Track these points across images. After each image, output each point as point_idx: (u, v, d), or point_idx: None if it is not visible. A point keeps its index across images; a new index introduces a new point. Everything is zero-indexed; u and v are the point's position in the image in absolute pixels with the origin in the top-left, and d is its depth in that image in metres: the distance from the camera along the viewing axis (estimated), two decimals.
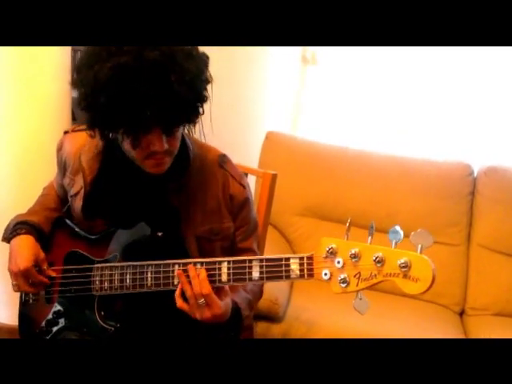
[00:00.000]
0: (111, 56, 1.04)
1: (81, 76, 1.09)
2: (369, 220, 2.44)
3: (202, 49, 1.15)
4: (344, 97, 2.63)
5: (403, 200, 2.33)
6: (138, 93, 1.02)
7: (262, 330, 1.95)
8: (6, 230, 1.36)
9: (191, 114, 1.14)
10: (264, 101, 2.76)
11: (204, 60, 1.14)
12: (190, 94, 1.08)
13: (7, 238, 1.34)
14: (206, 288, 1.10)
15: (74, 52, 2.36)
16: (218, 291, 1.13)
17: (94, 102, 1.06)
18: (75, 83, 1.11)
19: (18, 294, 1.40)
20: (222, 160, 1.31)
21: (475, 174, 2.34)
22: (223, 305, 1.14)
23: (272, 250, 2.06)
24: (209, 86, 1.15)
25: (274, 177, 1.70)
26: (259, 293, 1.41)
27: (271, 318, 1.95)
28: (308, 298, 2.07)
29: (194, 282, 1.11)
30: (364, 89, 2.60)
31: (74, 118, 2.31)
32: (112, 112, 1.06)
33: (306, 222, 2.43)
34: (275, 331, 1.96)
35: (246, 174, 1.38)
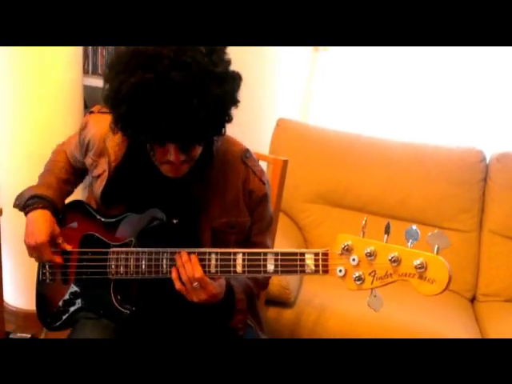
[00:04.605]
0: (138, 68, 1.03)
1: (109, 76, 1.09)
2: (380, 206, 2.48)
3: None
4: (355, 83, 2.62)
5: (415, 186, 2.33)
6: (156, 111, 1.03)
7: (273, 314, 1.97)
8: (18, 197, 1.38)
9: (210, 134, 1.14)
10: (275, 87, 2.75)
11: (236, 81, 1.11)
12: (211, 117, 1.06)
13: (20, 208, 1.36)
14: (198, 271, 1.15)
15: None
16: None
17: (116, 107, 1.08)
18: (105, 78, 1.11)
19: (34, 281, 1.42)
20: (245, 155, 1.32)
21: (487, 161, 2.33)
22: (217, 285, 1.19)
23: (283, 236, 2.07)
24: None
25: (285, 163, 1.70)
26: (263, 282, 1.43)
27: (282, 303, 1.97)
28: (319, 283, 2.08)
29: (186, 266, 1.16)
30: (375, 75, 2.58)
31: (86, 107, 2.33)
32: (130, 122, 1.08)
33: (317, 209, 2.43)
34: (286, 316, 1.98)
35: (257, 161, 1.39)
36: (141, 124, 1.06)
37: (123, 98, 1.05)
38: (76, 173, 1.47)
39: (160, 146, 1.12)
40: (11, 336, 2.18)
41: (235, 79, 1.11)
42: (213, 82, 1.05)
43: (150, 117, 1.04)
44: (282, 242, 1.99)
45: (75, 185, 1.50)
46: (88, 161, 1.35)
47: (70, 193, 1.47)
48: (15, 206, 1.38)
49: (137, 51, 1.05)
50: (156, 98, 1.02)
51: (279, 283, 1.91)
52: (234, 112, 1.14)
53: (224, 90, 1.07)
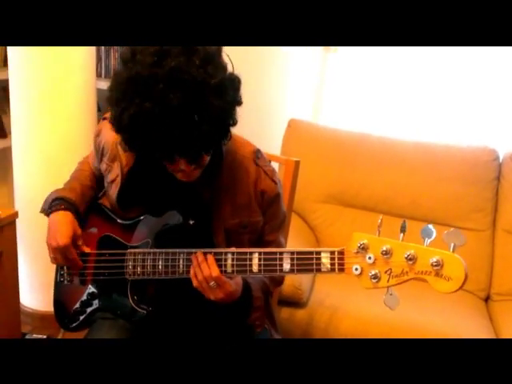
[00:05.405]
0: (135, 96, 1.03)
1: (111, 101, 1.10)
2: (392, 206, 2.48)
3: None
4: (366, 83, 2.62)
5: (427, 186, 2.32)
6: (159, 135, 1.04)
7: (286, 315, 1.98)
8: (45, 202, 1.39)
9: (217, 142, 1.15)
10: (286, 88, 2.76)
11: (235, 85, 1.11)
12: (215, 127, 1.07)
13: (45, 211, 1.37)
14: (215, 271, 1.16)
15: None
16: None
17: (120, 133, 1.11)
18: (107, 101, 1.12)
19: (51, 282, 1.44)
20: (257, 156, 1.32)
21: (501, 159, 2.31)
22: (233, 283, 1.19)
23: (295, 236, 2.07)
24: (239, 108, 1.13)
25: (297, 164, 1.71)
26: (279, 279, 1.44)
27: (295, 303, 1.97)
28: (332, 283, 2.08)
29: (202, 265, 1.17)
30: (386, 75, 2.58)
31: (99, 110, 2.35)
32: (134, 146, 1.12)
33: (328, 209, 2.43)
34: (299, 316, 1.98)
35: (269, 161, 1.40)
36: (146, 147, 1.09)
37: (125, 126, 1.07)
38: (99, 182, 1.48)
39: (169, 162, 1.14)
40: (27, 337, 2.20)
41: (234, 84, 1.11)
42: (211, 95, 1.04)
43: (153, 140, 1.05)
44: (294, 242, 1.99)
45: (98, 193, 1.50)
46: (103, 166, 1.37)
47: (93, 199, 1.47)
48: (42, 211, 1.39)
49: (132, 78, 1.05)
50: (157, 123, 1.03)
51: (292, 283, 1.91)
52: (246, 113, 1.14)
53: (224, 100, 1.06)
